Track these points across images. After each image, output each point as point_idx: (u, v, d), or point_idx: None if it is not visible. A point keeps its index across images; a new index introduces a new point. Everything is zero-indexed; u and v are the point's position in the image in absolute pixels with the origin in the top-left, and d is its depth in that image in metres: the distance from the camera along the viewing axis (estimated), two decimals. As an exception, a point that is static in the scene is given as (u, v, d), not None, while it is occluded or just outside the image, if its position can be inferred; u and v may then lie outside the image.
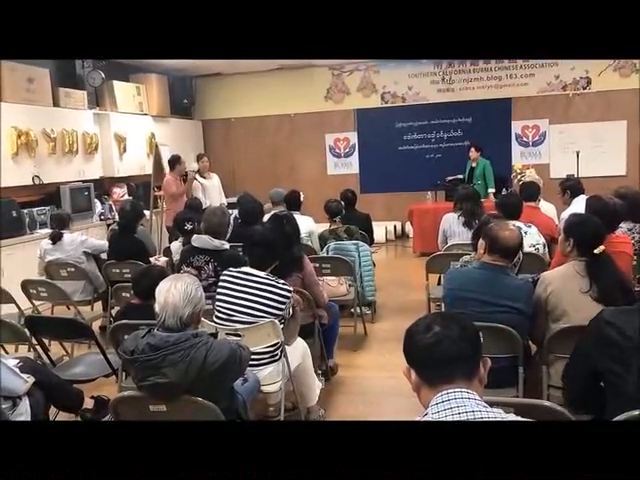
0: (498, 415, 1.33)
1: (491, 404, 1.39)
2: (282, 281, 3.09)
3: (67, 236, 5.24)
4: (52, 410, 3.14)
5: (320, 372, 3.88)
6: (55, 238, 5.20)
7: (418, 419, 1.39)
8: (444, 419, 1.33)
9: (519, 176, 8.12)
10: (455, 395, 1.36)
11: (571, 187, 5.11)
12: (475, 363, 1.44)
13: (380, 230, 8.98)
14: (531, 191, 4.87)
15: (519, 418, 1.35)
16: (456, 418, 1.32)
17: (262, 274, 3.09)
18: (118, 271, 4.92)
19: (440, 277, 5.23)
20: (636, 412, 1.73)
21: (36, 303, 4.87)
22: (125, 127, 8.45)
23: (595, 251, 2.73)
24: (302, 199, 5.74)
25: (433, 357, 1.42)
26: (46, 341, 3.92)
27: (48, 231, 6.74)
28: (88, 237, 5.46)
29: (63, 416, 3.29)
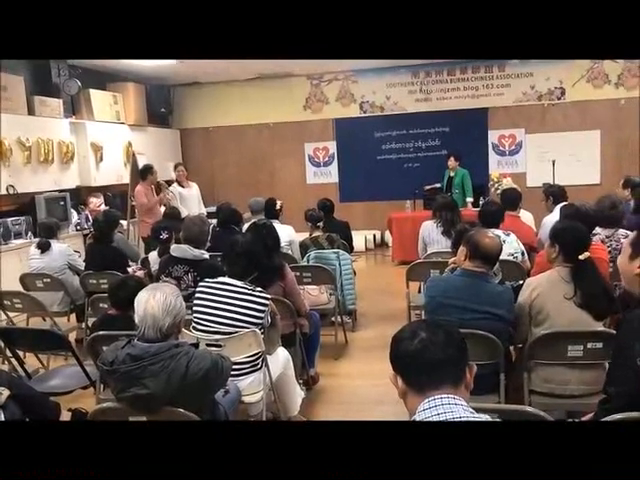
0: (485, 421, 1.32)
1: (477, 410, 1.39)
2: (259, 289, 3.07)
3: (56, 245, 5.17)
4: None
5: (301, 381, 3.85)
6: (43, 247, 5.11)
7: (404, 421, 1.37)
8: (432, 426, 1.32)
9: (496, 185, 8.22)
10: (442, 401, 1.35)
11: (554, 194, 5.18)
12: (461, 369, 1.44)
13: (359, 239, 8.99)
14: (512, 198, 4.91)
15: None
16: (443, 425, 1.31)
17: (239, 283, 3.06)
18: (95, 282, 4.84)
19: (420, 285, 5.25)
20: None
21: (11, 315, 4.76)
22: (102, 136, 8.36)
23: (580, 257, 2.77)
24: (279, 207, 5.71)
25: (419, 363, 1.41)
26: (21, 353, 3.84)
27: (23, 241, 6.67)
28: (76, 255, 5.35)
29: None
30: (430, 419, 1.33)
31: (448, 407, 1.34)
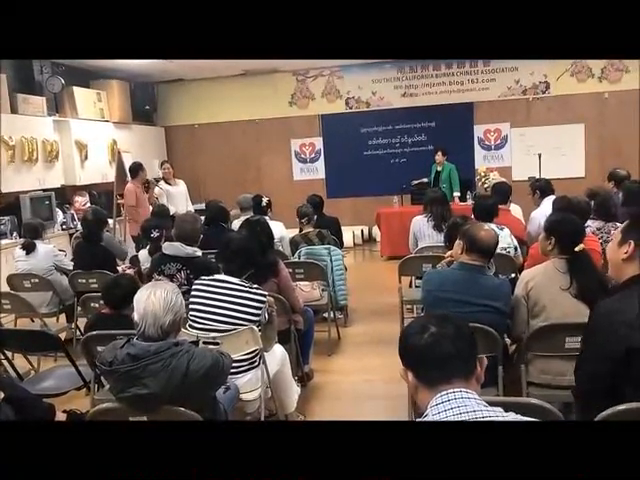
0: (499, 414, 1.32)
1: (488, 403, 1.38)
2: (256, 286, 3.06)
3: (41, 246, 5.10)
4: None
5: (296, 378, 3.84)
6: (28, 248, 5.03)
7: (419, 420, 1.37)
8: (446, 419, 1.31)
9: (483, 179, 8.27)
10: (455, 395, 1.35)
11: (541, 187, 5.22)
12: (472, 362, 1.43)
13: (347, 235, 8.98)
14: (503, 191, 4.94)
15: (519, 416, 1.34)
16: (458, 418, 1.30)
17: (236, 280, 3.04)
18: (84, 281, 4.78)
19: (411, 280, 5.26)
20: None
21: (-1, 316, 4.71)
22: (86, 134, 8.26)
23: (576, 249, 2.79)
24: (265, 203, 5.67)
25: (431, 357, 1.40)
26: (8, 354, 3.78)
27: (8, 241, 6.57)
28: (62, 254, 5.29)
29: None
30: (443, 413, 1.33)
31: (461, 401, 1.33)
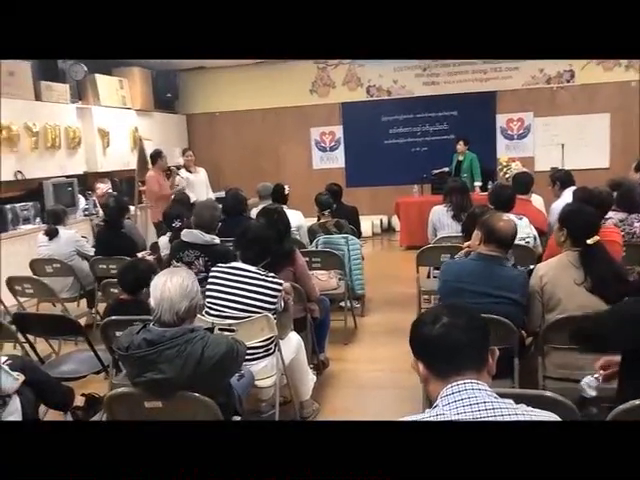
0: (510, 406, 1.31)
1: (500, 395, 1.37)
2: (272, 274, 3.07)
3: (63, 232, 5.17)
4: (41, 409, 3.07)
5: (312, 366, 3.86)
6: (51, 233, 5.11)
7: (428, 411, 1.37)
8: (456, 410, 1.31)
9: (505, 169, 8.16)
10: (465, 386, 1.34)
11: (561, 178, 5.15)
12: (484, 353, 1.43)
13: (366, 224, 8.96)
14: (525, 182, 4.86)
15: (530, 409, 1.33)
16: (467, 410, 1.30)
17: (253, 269, 3.06)
18: (105, 267, 4.85)
19: (429, 270, 5.24)
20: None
21: (21, 300, 4.78)
22: (108, 121, 8.34)
23: (589, 241, 2.73)
24: (287, 192, 5.69)
25: (442, 348, 1.40)
26: (31, 338, 3.85)
27: (32, 227, 6.68)
28: (84, 240, 5.37)
29: (52, 415, 3.23)
30: (454, 404, 1.32)
31: (472, 392, 1.33)
